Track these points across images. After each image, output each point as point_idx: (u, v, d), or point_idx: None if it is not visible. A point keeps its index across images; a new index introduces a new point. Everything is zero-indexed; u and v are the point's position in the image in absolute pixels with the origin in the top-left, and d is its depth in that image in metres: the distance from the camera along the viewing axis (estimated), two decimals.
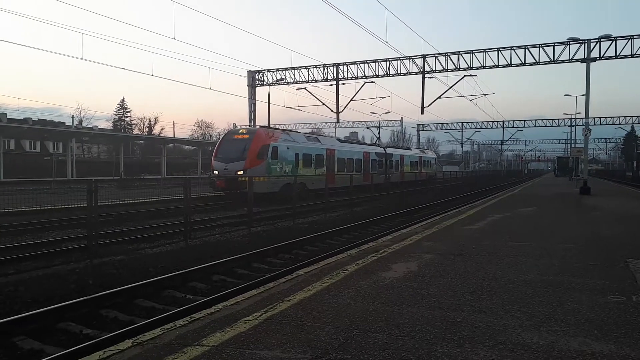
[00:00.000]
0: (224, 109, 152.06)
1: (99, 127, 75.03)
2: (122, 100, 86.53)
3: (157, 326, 4.73)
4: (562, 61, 28.66)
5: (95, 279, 8.21)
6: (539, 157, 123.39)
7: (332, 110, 35.32)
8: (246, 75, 38.79)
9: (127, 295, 7.09)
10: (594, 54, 27.29)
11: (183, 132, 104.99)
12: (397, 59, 32.77)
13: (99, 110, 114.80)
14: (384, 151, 38.60)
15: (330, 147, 30.03)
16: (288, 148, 25.10)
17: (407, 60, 32.59)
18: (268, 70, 38.20)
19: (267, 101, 40.82)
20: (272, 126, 29.98)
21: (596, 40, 27.30)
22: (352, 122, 70.27)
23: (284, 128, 31.70)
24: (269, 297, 5.40)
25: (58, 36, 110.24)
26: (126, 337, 4.42)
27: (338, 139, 35.92)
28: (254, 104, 39.72)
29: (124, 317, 6.37)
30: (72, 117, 71.00)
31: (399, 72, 32.89)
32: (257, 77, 39.02)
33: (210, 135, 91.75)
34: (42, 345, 5.41)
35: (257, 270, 9.45)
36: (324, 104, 36.26)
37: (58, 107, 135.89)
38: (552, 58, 28.84)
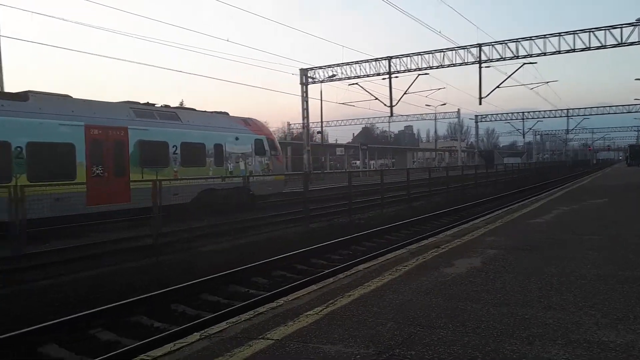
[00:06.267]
0: (278, 107, 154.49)
1: None
2: (181, 103, 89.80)
3: (223, 320, 4.89)
4: (631, 43, 26.82)
5: (163, 275, 8.59)
6: (608, 146, 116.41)
7: (385, 105, 35.01)
8: (298, 73, 39.15)
9: (193, 290, 7.38)
10: None
11: None
12: (452, 49, 31.96)
13: None
14: None
15: None
16: None
17: (462, 50, 31.70)
18: (320, 67, 38.37)
19: (319, 98, 40.70)
20: None
21: None
22: (407, 115, 69.32)
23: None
24: (329, 292, 5.42)
25: (120, 43, 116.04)
26: (194, 330, 4.60)
27: None
28: (307, 102, 40.04)
29: (191, 311, 6.64)
30: None
31: (453, 62, 32.06)
32: (309, 75, 39.29)
33: None
34: (118, 337, 5.74)
35: (316, 265, 9.55)
36: (376, 99, 35.98)
37: None
38: (620, 40, 27.06)
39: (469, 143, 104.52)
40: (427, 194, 24.72)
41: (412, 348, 3.67)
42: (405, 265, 6.66)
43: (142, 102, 16.82)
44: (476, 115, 70.47)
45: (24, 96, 12.99)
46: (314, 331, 4.14)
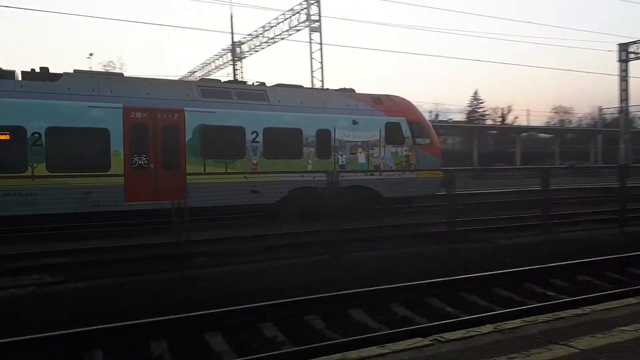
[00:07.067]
0: (585, 91, 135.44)
1: (454, 119, 79.35)
2: (475, 92, 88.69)
3: (517, 317, 4.67)
4: None
5: (454, 262, 8.75)
6: None
7: None
8: (615, 50, 33.43)
9: (484, 282, 7.28)
10: None
11: (538, 120, 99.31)
12: None
13: (454, 104, 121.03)
14: None
15: None
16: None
17: None
18: None
19: None
20: None
21: None
22: None
23: None
24: None
25: (409, 37, 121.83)
26: (487, 322, 4.54)
27: None
28: (626, 82, 33.90)
29: (483, 303, 6.56)
30: (430, 112, 77.79)
31: None
32: (629, 50, 33.09)
33: (570, 121, 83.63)
34: (413, 314, 6.16)
35: (634, 276, 8.06)
36: None
37: (419, 103, 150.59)
38: None
39: None
40: None
41: None
42: None
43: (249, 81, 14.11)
44: None
45: (54, 76, 11.73)
46: (631, 349, 3.54)
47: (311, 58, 27.97)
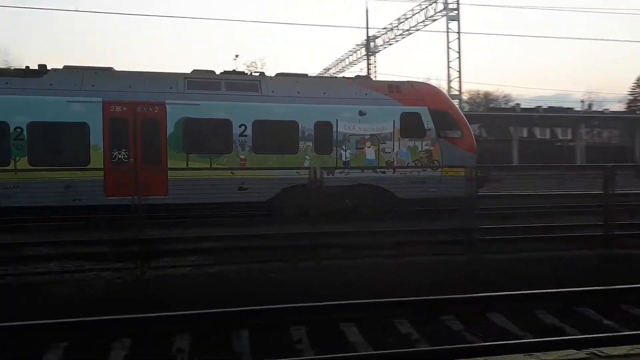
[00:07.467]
0: None
1: (610, 109, 70.63)
2: (638, 78, 77.74)
3: None
4: None
5: (611, 270, 7.82)
6: None
7: None
8: None
9: None
10: None
11: None
12: None
13: (610, 92, 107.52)
14: None
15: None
16: None
17: None
18: None
19: None
20: None
21: None
22: None
23: None
24: None
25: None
26: None
27: None
28: None
29: None
30: (582, 101, 70.08)
31: None
32: None
33: None
34: (561, 323, 5.65)
35: None
36: None
37: (568, 92, 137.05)
38: None
39: None
40: None
41: None
42: None
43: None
44: None
45: (41, 72, 11.92)
46: None
47: (448, 48, 27.08)
